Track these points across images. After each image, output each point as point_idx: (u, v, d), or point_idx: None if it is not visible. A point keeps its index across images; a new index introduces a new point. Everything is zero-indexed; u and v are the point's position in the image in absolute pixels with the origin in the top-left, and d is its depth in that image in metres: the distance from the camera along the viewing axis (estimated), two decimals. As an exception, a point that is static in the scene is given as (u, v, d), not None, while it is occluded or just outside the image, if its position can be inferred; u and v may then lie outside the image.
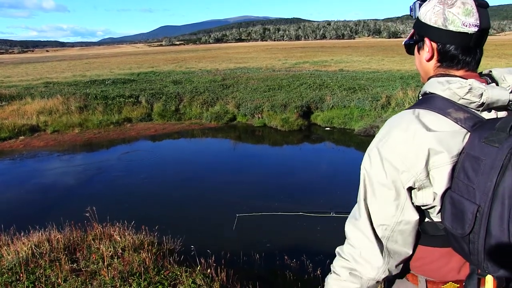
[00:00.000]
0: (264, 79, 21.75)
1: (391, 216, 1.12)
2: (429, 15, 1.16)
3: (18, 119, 15.56)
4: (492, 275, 1.00)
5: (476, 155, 0.98)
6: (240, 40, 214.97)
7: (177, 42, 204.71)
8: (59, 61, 56.61)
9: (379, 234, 1.15)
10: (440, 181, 1.05)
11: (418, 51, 1.27)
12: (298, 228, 7.01)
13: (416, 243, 1.19)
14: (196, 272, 4.03)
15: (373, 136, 1.29)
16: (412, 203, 1.11)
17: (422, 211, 1.15)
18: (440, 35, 1.15)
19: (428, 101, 1.13)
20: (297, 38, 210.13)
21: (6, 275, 3.94)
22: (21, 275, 3.87)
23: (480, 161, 0.96)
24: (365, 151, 1.18)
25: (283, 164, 11.54)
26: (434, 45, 1.19)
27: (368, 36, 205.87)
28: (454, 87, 1.08)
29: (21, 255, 4.39)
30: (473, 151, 0.99)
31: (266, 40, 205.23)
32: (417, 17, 1.22)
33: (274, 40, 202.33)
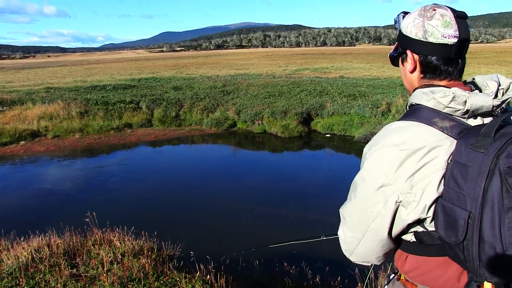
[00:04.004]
0: (265, 86, 21.80)
1: (363, 223, 1.18)
2: (410, 27, 1.19)
3: (19, 124, 15.62)
4: (490, 281, 1.00)
5: (463, 162, 0.99)
6: (240, 46, 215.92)
7: (178, 48, 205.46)
8: (60, 66, 56.85)
9: (352, 235, 1.23)
10: (430, 191, 1.06)
11: (402, 63, 1.30)
12: (297, 234, 7.01)
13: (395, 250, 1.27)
14: (196, 278, 4.04)
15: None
16: (392, 224, 1.15)
17: (406, 229, 1.18)
18: (421, 47, 1.18)
19: (414, 112, 1.15)
20: (298, 44, 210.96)
21: (6, 280, 3.95)
22: (21, 280, 3.88)
23: (468, 167, 0.98)
24: None
25: (282, 171, 11.54)
26: (416, 57, 1.21)
27: (369, 43, 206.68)
28: (438, 96, 1.10)
29: (21, 260, 4.40)
30: (460, 158, 1.01)
31: (267, 47, 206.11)
32: (400, 29, 1.25)
33: (275, 47, 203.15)
